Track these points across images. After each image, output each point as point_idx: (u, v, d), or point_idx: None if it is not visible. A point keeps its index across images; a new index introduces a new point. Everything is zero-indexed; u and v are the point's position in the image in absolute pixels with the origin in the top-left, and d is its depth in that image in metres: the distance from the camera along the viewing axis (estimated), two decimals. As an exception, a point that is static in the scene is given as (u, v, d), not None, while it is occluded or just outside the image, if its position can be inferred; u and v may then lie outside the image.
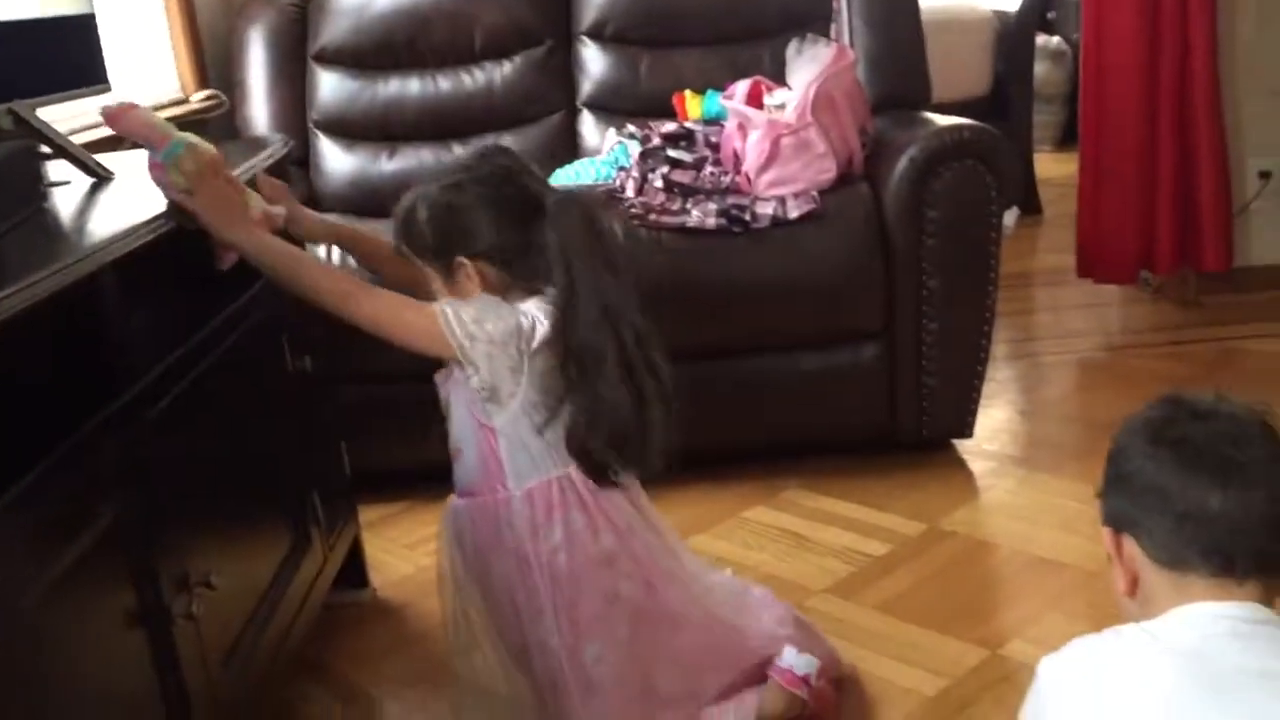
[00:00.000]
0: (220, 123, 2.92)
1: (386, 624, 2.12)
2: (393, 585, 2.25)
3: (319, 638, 2.01)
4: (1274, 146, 3.37)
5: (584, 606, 1.55)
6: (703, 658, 1.64)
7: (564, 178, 2.64)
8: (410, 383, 2.19)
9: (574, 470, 1.54)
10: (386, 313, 1.53)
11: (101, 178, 1.70)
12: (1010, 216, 4.56)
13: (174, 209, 1.48)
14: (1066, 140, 5.41)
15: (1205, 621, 0.96)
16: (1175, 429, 1.01)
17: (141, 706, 1.32)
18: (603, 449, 1.51)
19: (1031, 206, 4.59)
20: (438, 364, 1.58)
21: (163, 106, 2.78)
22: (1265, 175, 3.38)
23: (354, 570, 2.17)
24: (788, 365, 2.45)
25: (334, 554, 2.00)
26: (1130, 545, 1.03)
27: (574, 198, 1.56)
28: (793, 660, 1.65)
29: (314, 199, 2.87)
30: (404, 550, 2.38)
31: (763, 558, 2.21)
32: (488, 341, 1.48)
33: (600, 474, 1.54)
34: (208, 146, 1.52)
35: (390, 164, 2.86)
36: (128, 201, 1.55)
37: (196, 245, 1.52)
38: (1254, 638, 0.95)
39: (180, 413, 1.44)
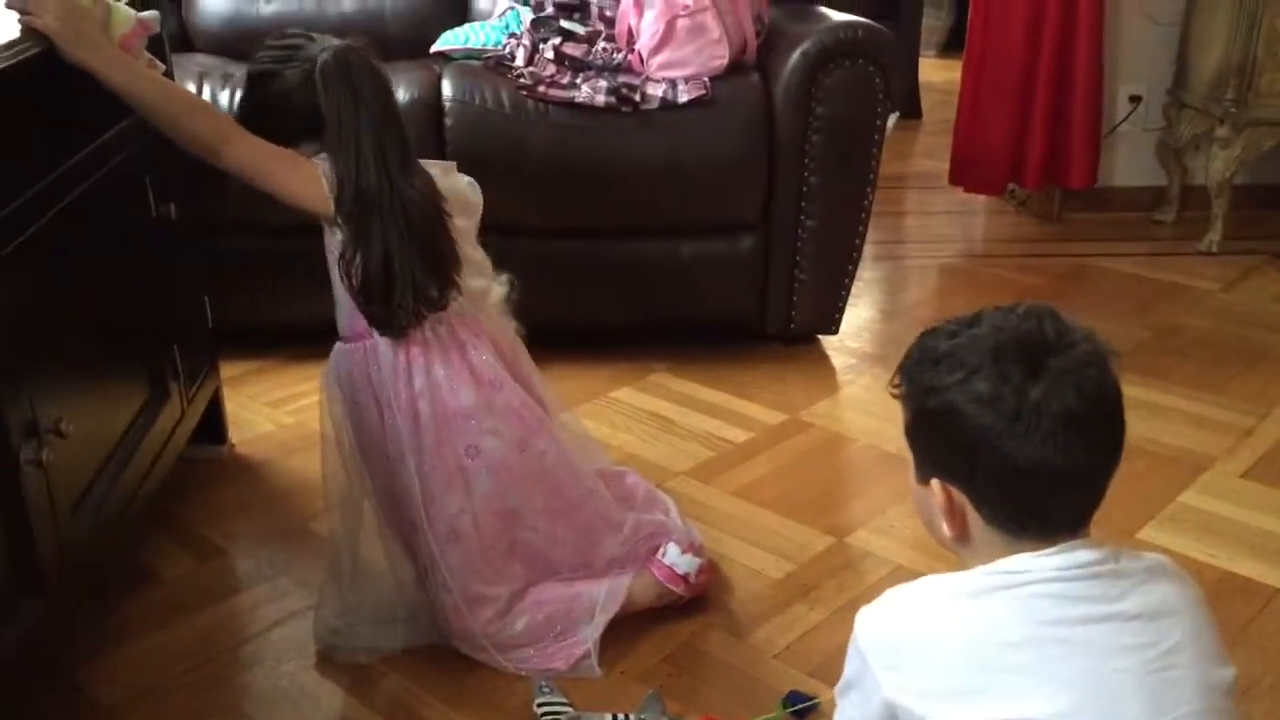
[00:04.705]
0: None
1: (243, 481, 2.10)
2: (251, 442, 2.22)
3: (174, 492, 1.98)
4: (1146, 72, 3.48)
5: (446, 456, 1.57)
6: (571, 525, 1.67)
7: (452, 40, 2.56)
8: (279, 237, 2.15)
9: (441, 323, 1.56)
10: (265, 161, 1.51)
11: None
12: (890, 119, 4.63)
13: (28, 30, 1.39)
14: (950, 47, 5.48)
15: (1023, 577, 0.94)
16: (1027, 398, 0.92)
17: (-14, 552, 1.29)
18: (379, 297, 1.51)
19: (912, 110, 4.66)
20: (308, 219, 1.55)
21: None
22: (1135, 99, 3.50)
23: (213, 425, 2.14)
24: (665, 250, 2.45)
25: (192, 407, 1.96)
26: (960, 498, 0.98)
27: (340, 54, 1.50)
28: (675, 559, 1.69)
29: (185, 37, 2.73)
30: (265, 408, 2.34)
31: (627, 438, 2.25)
32: None
33: (376, 319, 1.54)
34: None
35: (269, 7, 2.72)
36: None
37: (61, 73, 1.43)
38: (1070, 582, 0.94)
39: (36, 253, 1.37)
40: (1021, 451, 0.92)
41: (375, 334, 1.56)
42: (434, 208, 1.54)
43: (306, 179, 1.50)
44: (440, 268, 1.55)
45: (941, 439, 0.99)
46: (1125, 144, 3.55)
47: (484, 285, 1.65)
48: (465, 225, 1.60)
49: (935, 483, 1.00)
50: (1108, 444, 0.95)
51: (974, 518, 0.99)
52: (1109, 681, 0.91)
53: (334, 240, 1.54)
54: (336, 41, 1.52)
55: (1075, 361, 0.94)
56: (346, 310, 1.59)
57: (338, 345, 1.62)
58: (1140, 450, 2.14)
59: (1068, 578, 0.94)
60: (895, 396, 1.05)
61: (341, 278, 1.52)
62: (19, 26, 1.40)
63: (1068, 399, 0.92)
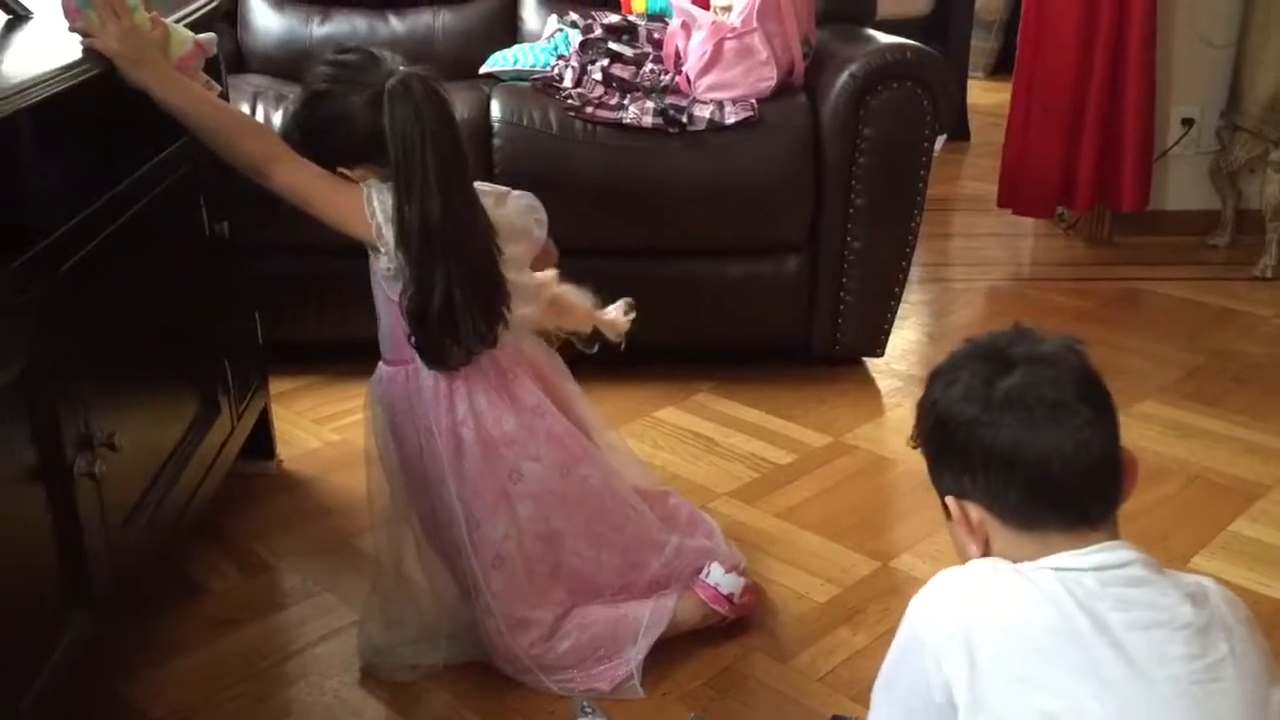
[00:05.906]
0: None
1: (291, 496, 2.12)
2: (298, 458, 2.24)
3: (223, 506, 2.00)
4: (1199, 95, 3.44)
5: (490, 482, 1.57)
6: (614, 548, 1.67)
7: (501, 62, 2.58)
8: (329, 257, 2.17)
9: (483, 352, 1.56)
10: (311, 184, 1.51)
11: (19, 16, 1.61)
12: (938, 141, 4.60)
13: (89, 51, 1.42)
14: (999, 69, 5.44)
15: (1071, 575, 0.96)
16: (996, 388, 1.00)
17: (38, 564, 1.31)
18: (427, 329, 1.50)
19: (960, 132, 4.63)
20: (355, 241, 1.55)
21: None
22: (1188, 122, 3.46)
23: (262, 440, 2.16)
24: (711, 270, 2.45)
25: (242, 423, 1.98)
26: (978, 512, 1.02)
27: (408, 81, 1.45)
28: (719, 578, 1.68)
29: (240, 58, 2.77)
30: (312, 424, 2.37)
31: (671, 458, 2.25)
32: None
33: (429, 355, 1.53)
34: None
35: (321, 29, 2.77)
36: (46, 44, 1.48)
37: (119, 93, 1.46)
38: (1118, 585, 0.96)
39: (92, 269, 1.40)
40: (1003, 438, 0.99)
41: (418, 360, 1.56)
42: (492, 244, 1.52)
43: (351, 204, 1.50)
44: (494, 306, 1.53)
45: (943, 451, 1.05)
46: (1178, 167, 3.51)
47: (530, 312, 1.63)
48: (517, 252, 1.58)
49: (950, 500, 1.04)
50: (1089, 424, 0.99)
51: (994, 528, 1.02)
52: (1154, 689, 0.91)
53: (379, 263, 1.54)
54: (402, 66, 1.48)
55: (1043, 353, 1.02)
56: (389, 334, 1.59)
57: (381, 365, 1.63)
58: (1192, 477, 2.11)
59: (1117, 581, 0.96)
60: (914, 448, 1.11)
61: (401, 311, 1.51)
62: (80, 48, 1.43)
63: (1039, 385, 0.99)
